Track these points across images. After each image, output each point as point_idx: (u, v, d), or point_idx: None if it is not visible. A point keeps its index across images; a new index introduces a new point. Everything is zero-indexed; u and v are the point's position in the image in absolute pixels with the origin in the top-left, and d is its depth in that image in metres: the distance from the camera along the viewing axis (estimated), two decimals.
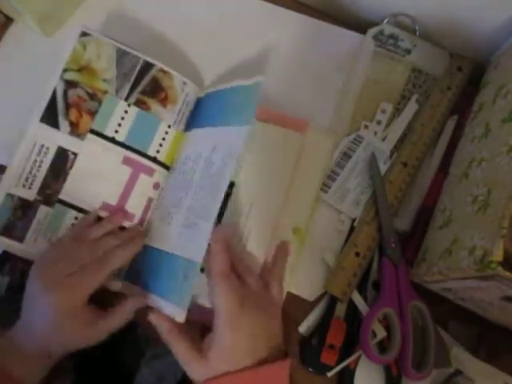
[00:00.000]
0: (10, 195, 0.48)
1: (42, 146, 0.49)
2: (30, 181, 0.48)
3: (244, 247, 0.48)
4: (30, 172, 0.48)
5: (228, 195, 0.48)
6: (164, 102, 0.50)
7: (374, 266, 0.49)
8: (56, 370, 0.42)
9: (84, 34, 0.50)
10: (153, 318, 0.42)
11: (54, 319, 0.40)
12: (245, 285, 0.42)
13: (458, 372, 0.45)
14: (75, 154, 0.49)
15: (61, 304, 0.40)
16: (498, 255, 0.34)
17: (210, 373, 0.39)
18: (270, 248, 0.48)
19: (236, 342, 0.40)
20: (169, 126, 0.50)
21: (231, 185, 0.49)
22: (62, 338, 0.41)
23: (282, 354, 0.42)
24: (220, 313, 0.40)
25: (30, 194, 0.48)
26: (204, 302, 0.45)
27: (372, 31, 0.56)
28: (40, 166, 0.48)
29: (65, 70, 0.49)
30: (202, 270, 0.45)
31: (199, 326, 0.41)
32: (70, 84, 0.49)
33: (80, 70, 0.50)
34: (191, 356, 0.40)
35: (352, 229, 0.50)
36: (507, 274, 0.34)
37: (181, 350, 0.40)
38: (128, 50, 0.51)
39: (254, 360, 0.40)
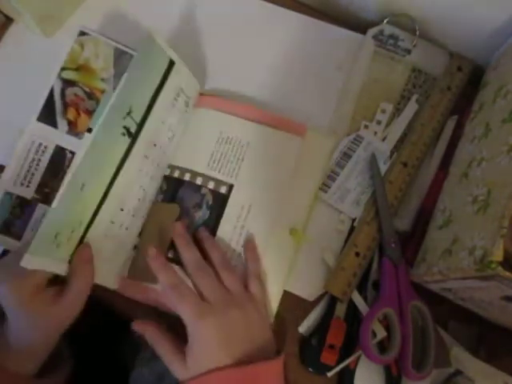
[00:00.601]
0: (8, 193, 0.48)
1: (40, 144, 0.49)
2: (28, 179, 0.48)
3: (239, 249, 0.48)
4: (28, 171, 0.49)
5: (226, 197, 0.48)
6: None
7: (374, 265, 0.49)
8: (53, 358, 0.42)
9: (82, 34, 0.50)
10: (136, 326, 0.42)
11: (18, 311, 0.40)
12: (208, 285, 0.43)
13: (458, 372, 0.45)
14: (73, 153, 0.49)
15: (14, 294, 0.39)
16: (498, 255, 0.34)
17: (190, 373, 0.40)
18: (268, 249, 0.48)
19: (205, 343, 0.40)
20: None
21: (230, 186, 0.49)
22: (34, 324, 0.40)
23: (269, 354, 0.42)
24: (183, 318, 0.41)
25: (28, 193, 0.48)
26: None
27: (372, 31, 0.56)
28: (38, 165, 0.49)
29: (62, 69, 0.50)
30: (135, 247, 0.47)
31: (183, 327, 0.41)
32: (67, 83, 0.49)
33: (78, 69, 0.50)
34: (174, 358, 0.40)
35: (352, 229, 0.50)
36: (507, 274, 0.34)
37: (165, 352, 0.41)
38: (125, 49, 0.51)
39: (233, 359, 0.40)
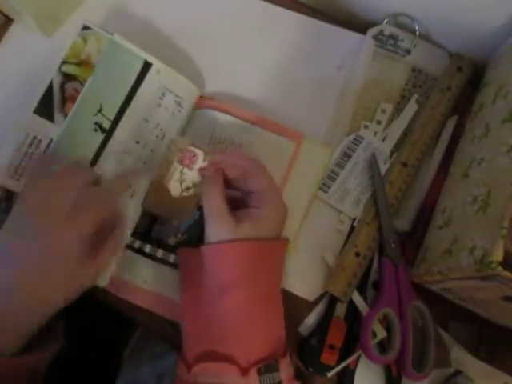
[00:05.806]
0: None
1: (34, 138, 0.48)
2: (19, 172, 0.47)
3: None
4: (20, 164, 0.47)
5: None
6: None
7: (374, 265, 0.49)
8: (42, 331, 0.38)
9: (85, 28, 0.50)
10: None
11: (54, 260, 0.37)
12: None
13: (458, 372, 0.46)
14: None
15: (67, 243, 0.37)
16: (498, 255, 0.34)
17: (237, 234, 0.40)
18: None
19: (270, 214, 0.42)
20: None
21: None
22: (55, 281, 0.37)
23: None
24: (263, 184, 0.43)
25: (18, 186, 0.47)
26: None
27: (372, 31, 0.56)
28: (31, 159, 0.47)
29: (63, 63, 0.49)
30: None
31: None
32: (67, 77, 0.49)
33: (79, 64, 0.49)
34: (222, 213, 0.41)
35: (352, 229, 0.50)
36: (507, 273, 0.34)
37: (216, 203, 0.41)
38: None
39: (276, 234, 0.43)
